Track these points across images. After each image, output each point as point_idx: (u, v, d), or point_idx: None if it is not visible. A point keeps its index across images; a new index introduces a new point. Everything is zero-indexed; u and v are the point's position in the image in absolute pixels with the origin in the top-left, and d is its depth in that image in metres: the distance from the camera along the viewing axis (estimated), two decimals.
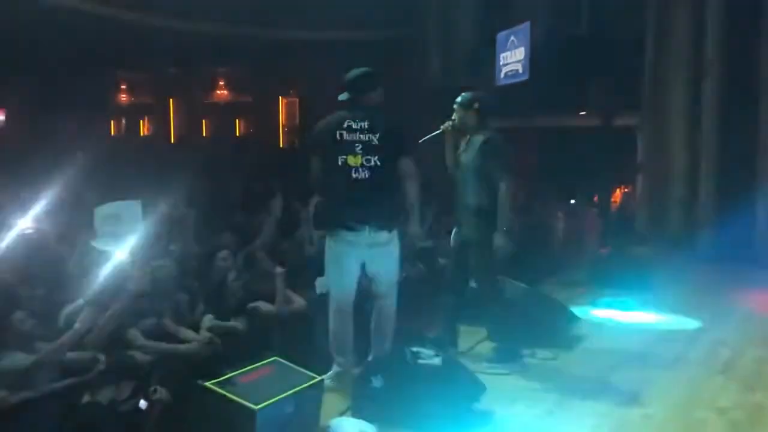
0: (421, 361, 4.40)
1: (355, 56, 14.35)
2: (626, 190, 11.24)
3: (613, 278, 7.83)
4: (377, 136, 4.64)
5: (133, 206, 5.37)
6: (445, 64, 12.72)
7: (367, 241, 4.63)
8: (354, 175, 4.59)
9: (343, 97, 4.77)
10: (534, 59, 10.52)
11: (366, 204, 4.58)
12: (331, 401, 4.41)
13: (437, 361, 4.44)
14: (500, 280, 5.53)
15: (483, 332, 5.67)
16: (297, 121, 18.62)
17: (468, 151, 5.32)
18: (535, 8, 11.01)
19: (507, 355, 5.28)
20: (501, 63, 11.59)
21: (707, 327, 6.41)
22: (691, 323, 6.52)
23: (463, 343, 5.66)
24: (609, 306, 7.21)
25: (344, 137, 4.64)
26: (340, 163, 4.62)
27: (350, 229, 4.61)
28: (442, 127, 5.43)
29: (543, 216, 9.79)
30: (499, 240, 5.05)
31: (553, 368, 5.34)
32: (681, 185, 10.10)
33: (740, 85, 9.64)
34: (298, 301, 5.68)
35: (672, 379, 5.09)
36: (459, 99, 5.38)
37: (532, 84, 9.07)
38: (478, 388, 4.53)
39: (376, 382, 4.30)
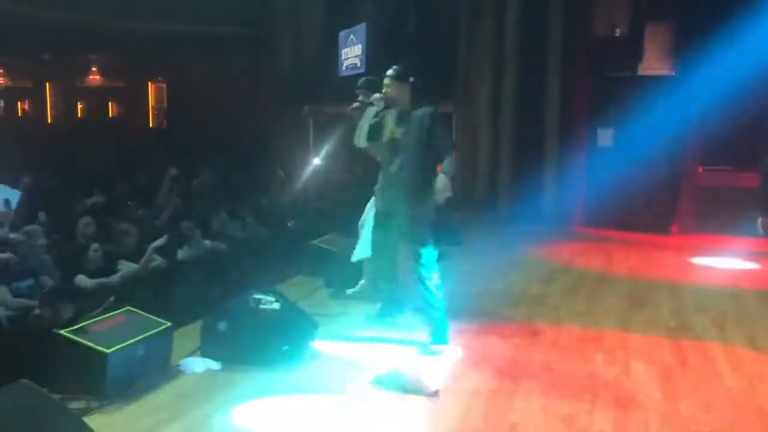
0: (262, 306, 4.32)
1: (213, 49, 13.82)
2: None
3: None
4: None
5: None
6: (294, 58, 12.50)
7: None
8: None
9: None
10: (369, 54, 10.57)
11: None
12: (182, 344, 4.26)
13: (276, 306, 4.38)
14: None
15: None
16: (165, 104, 17.87)
17: (401, 126, 4.52)
18: (371, 10, 11.02)
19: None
20: (342, 58, 11.56)
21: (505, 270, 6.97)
22: None
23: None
24: None
25: None
26: None
27: None
28: (372, 98, 4.61)
29: None
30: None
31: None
32: (486, 161, 10.49)
33: (533, 81, 10.09)
34: (160, 261, 5.45)
35: None
36: (391, 72, 4.46)
37: (368, 76, 9.04)
38: (313, 327, 4.52)
39: (221, 325, 4.18)
